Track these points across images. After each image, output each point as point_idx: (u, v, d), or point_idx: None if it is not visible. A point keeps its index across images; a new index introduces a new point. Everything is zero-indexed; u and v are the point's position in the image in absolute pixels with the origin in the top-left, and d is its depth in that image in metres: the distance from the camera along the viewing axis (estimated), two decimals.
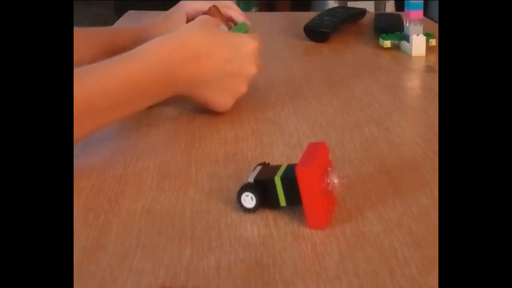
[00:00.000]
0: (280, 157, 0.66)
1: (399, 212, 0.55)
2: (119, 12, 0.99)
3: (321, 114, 0.78)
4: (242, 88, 0.76)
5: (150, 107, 0.80)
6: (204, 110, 0.79)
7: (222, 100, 0.76)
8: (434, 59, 1.01)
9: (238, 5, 0.99)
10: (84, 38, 0.90)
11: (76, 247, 0.50)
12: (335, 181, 0.52)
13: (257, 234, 0.52)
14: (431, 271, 0.47)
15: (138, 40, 0.91)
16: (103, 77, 0.65)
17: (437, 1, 0.70)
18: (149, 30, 0.91)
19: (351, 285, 0.45)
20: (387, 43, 1.08)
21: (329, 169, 0.53)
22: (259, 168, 0.57)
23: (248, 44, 0.76)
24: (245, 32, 0.87)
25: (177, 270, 0.47)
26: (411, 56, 1.03)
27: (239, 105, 0.80)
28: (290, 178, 0.52)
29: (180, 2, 0.95)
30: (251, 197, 0.54)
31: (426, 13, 1.12)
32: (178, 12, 0.94)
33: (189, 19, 0.92)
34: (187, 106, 0.80)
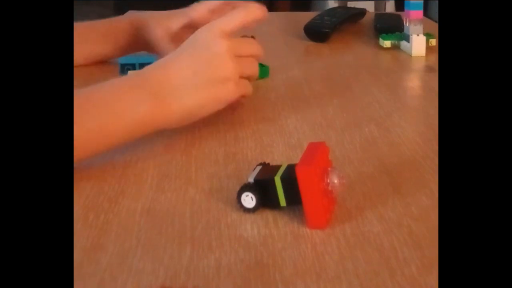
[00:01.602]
0: (280, 157, 0.66)
1: (399, 212, 0.55)
2: (119, 12, 0.99)
3: (321, 114, 0.78)
4: (226, 95, 0.70)
5: None
6: None
7: (213, 109, 0.71)
8: (434, 59, 1.01)
9: None
10: (86, 30, 0.91)
11: (76, 247, 0.50)
12: (335, 181, 0.52)
13: (257, 234, 0.52)
14: (431, 271, 0.47)
15: (135, 29, 0.92)
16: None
17: (437, 1, 0.70)
18: (146, 20, 0.91)
19: (351, 285, 0.45)
20: (387, 43, 1.08)
21: (329, 169, 0.53)
22: (259, 168, 0.57)
23: (215, 49, 0.70)
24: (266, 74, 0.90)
25: (177, 270, 0.47)
26: (411, 56, 1.03)
27: (239, 105, 0.80)
28: (290, 178, 0.52)
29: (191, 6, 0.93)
30: (251, 197, 0.54)
31: (426, 13, 1.12)
32: (180, 15, 0.93)
33: (194, 24, 0.91)
34: None
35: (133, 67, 0.88)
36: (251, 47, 0.76)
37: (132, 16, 0.96)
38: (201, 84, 0.68)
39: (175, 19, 0.92)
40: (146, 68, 0.70)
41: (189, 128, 0.73)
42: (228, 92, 0.70)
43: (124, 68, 0.88)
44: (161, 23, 0.91)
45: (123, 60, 0.90)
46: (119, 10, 0.95)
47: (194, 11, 0.91)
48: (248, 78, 0.74)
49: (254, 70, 0.75)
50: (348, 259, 0.48)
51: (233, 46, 0.71)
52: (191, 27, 0.91)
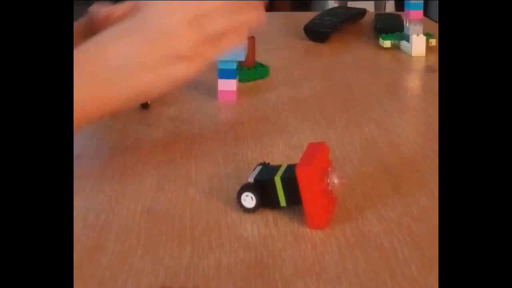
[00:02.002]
0: (280, 157, 0.66)
1: (399, 212, 0.55)
2: None
3: (321, 114, 0.78)
4: (178, 76, 0.59)
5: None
6: (204, 110, 0.79)
7: (165, 90, 0.60)
8: (434, 59, 1.01)
9: None
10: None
11: (76, 247, 0.50)
12: (335, 181, 0.52)
13: (257, 234, 0.52)
14: (431, 271, 0.47)
15: (86, 25, 0.90)
16: None
17: (437, 1, 0.70)
18: (94, 8, 0.89)
19: (351, 285, 0.45)
20: (387, 43, 1.08)
21: (329, 169, 0.53)
22: (259, 168, 0.57)
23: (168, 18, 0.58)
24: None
25: (177, 270, 0.47)
26: (411, 56, 1.03)
27: (239, 104, 0.80)
28: (290, 178, 0.52)
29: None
30: (251, 197, 0.54)
31: (426, 13, 1.12)
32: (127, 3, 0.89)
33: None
34: (187, 106, 0.80)
35: None
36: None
37: (86, 15, 0.93)
38: (145, 64, 0.58)
39: (121, 5, 0.89)
40: (85, 44, 0.60)
41: (189, 128, 0.73)
42: (181, 73, 0.59)
43: None
44: (106, 7, 0.88)
45: None
46: None
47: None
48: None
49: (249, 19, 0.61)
50: (348, 259, 0.48)
51: (196, 8, 0.58)
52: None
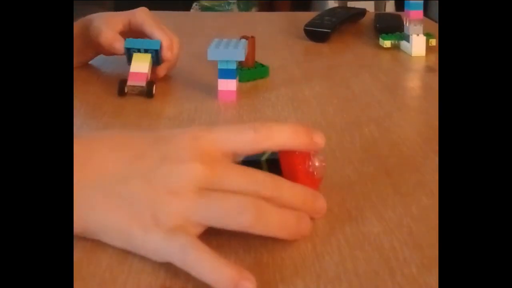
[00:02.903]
0: None
1: (399, 212, 0.55)
2: None
3: (321, 114, 0.78)
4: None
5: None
6: (204, 110, 0.79)
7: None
8: (434, 59, 1.01)
9: (238, 5, 0.99)
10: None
11: (76, 247, 0.50)
12: (316, 163, 0.53)
13: (257, 234, 0.52)
14: (431, 271, 0.47)
15: (85, 35, 0.90)
16: None
17: (437, 1, 0.70)
18: (94, 24, 0.90)
19: (351, 285, 0.45)
20: (387, 43, 1.08)
21: (311, 153, 0.54)
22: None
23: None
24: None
25: (177, 270, 0.47)
26: (411, 56, 1.03)
27: (239, 104, 0.80)
28: (274, 160, 0.53)
29: (138, 9, 0.91)
30: None
31: (426, 13, 1.12)
32: (124, 15, 0.91)
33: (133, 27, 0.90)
34: (187, 106, 0.80)
35: (138, 51, 0.85)
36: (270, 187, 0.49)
37: (82, 21, 0.94)
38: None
39: (120, 18, 0.90)
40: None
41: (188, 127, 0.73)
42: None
43: (130, 52, 0.86)
44: (108, 24, 0.88)
45: (128, 44, 0.86)
46: (119, 10, 0.94)
47: (134, 16, 0.89)
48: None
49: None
50: (348, 259, 0.48)
51: (212, 178, 0.47)
52: (131, 30, 0.90)
